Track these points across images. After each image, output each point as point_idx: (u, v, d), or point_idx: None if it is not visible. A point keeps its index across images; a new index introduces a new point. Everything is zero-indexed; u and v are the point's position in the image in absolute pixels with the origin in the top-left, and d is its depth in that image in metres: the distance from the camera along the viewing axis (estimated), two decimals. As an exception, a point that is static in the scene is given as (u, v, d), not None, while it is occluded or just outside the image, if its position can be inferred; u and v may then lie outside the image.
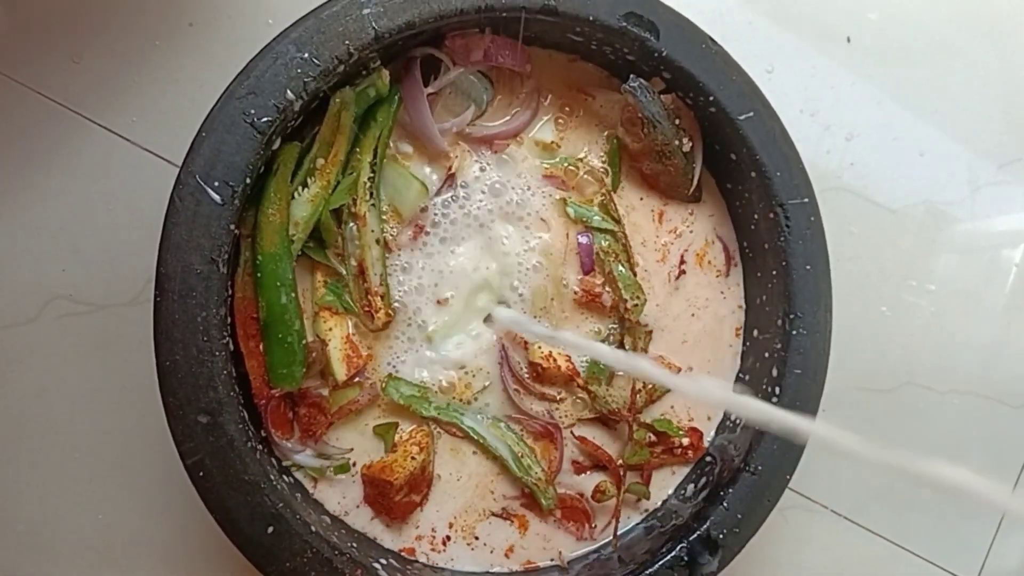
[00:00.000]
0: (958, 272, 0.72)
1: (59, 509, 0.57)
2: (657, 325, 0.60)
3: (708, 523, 0.53)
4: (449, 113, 0.57)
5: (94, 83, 0.58)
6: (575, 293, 0.58)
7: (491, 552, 0.56)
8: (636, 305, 0.58)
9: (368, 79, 0.52)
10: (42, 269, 0.57)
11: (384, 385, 0.54)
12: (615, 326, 0.59)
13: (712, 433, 0.60)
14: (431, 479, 0.55)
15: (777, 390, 0.55)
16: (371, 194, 0.54)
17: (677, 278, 0.60)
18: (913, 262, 0.71)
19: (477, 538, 0.56)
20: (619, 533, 0.57)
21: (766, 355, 0.57)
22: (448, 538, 0.56)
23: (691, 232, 0.61)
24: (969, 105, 0.73)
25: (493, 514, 0.56)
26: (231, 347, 0.48)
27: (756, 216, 0.58)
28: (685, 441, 0.58)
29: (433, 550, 0.55)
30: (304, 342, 0.51)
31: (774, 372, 0.55)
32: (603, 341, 0.58)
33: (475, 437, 0.56)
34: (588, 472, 0.58)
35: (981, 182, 0.73)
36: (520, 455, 0.56)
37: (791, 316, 0.55)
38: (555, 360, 0.57)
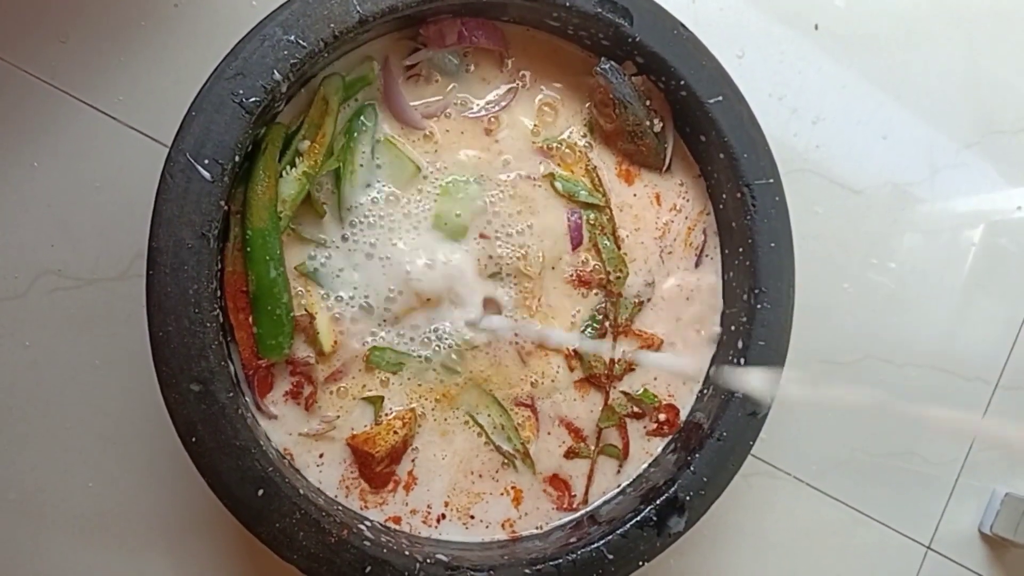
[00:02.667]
0: (919, 251, 0.74)
1: (50, 478, 0.58)
2: (649, 303, 0.61)
3: (676, 486, 0.55)
4: (435, 93, 0.58)
5: (81, 62, 0.58)
6: (567, 274, 0.59)
7: (486, 528, 0.57)
8: (619, 278, 0.59)
9: (358, 69, 0.54)
10: (31, 245, 0.58)
11: (368, 355, 0.55)
12: (602, 301, 0.60)
13: (688, 409, 0.61)
14: (409, 448, 0.56)
15: (742, 360, 0.57)
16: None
17: (668, 253, 0.61)
18: (875, 241, 0.73)
19: (473, 517, 0.57)
20: (597, 504, 0.59)
21: (732, 328, 0.59)
22: (443, 516, 0.57)
23: (688, 203, 0.61)
24: (931, 90, 0.74)
25: (488, 493, 0.57)
26: (221, 319, 0.50)
27: (724, 196, 0.59)
28: (662, 417, 0.60)
29: (425, 523, 0.56)
30: (292, 314, 0.52)
31: (740, 344, 0.57)
32: (591, 317, 0.59)
33: (458, 404, 0.57)
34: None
35: (942, 164, 0.75)
36: (501, 425, 0.57)
37: (756, 291, 0.57)
38: None
